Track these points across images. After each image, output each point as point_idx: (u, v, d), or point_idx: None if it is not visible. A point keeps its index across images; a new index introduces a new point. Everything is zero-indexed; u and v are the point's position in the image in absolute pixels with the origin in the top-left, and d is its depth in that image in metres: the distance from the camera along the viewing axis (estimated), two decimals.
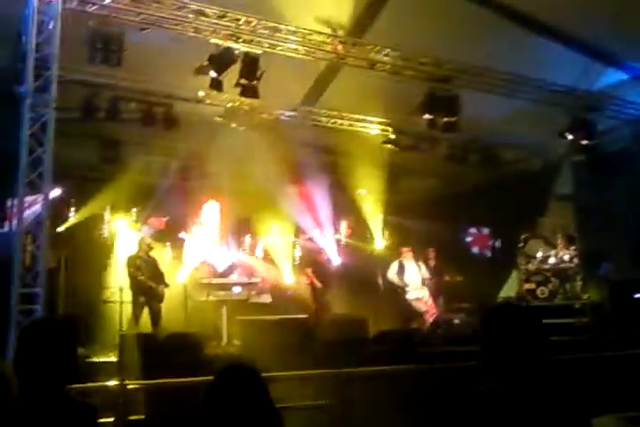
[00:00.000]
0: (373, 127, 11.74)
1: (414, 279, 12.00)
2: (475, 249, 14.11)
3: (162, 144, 11.64)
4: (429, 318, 11.49)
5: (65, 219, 10.97)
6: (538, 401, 2.27)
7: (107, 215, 11.59)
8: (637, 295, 10.65)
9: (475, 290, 11.83)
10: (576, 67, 10.17)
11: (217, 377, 2.77)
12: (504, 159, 12.79)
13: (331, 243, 13.30)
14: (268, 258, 13.25)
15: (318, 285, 11.65)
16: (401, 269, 12.07)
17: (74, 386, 5.68)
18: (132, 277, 10.34)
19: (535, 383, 2.30)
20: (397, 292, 11.98)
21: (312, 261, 12.12)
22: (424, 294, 11.91)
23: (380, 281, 12.09)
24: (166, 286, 10.57)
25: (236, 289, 11.82)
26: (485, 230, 13.92)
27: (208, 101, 10.05)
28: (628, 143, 11.61)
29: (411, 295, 11.84)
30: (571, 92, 10.59)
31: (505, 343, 2.30)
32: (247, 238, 13.13)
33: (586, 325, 10.74)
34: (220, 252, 12.45)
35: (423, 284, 12.10)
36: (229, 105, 10.31)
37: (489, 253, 14.01)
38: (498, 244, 13.30)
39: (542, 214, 13.15)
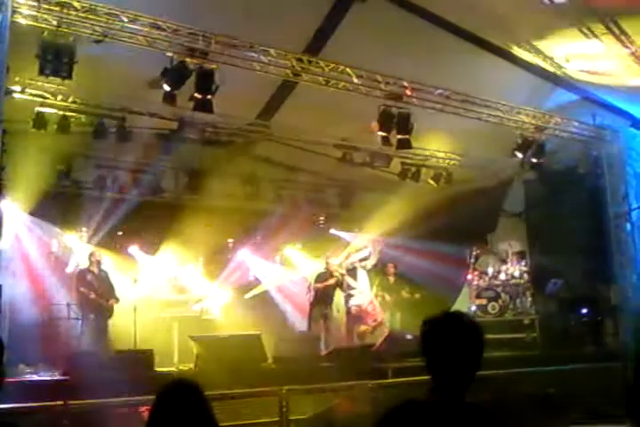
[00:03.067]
0: (328, 143, 11.77)
1: (363, 283, 12.11)
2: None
3: (115, 158, 11.49)
4: (372, 324, 11.65)
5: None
6: (483, 413, 2.29)
7: (57, 230, 11.33)
8: (584, 311, 10.89)
9: (431, 306, 11.91)
10: (526, 87, 10.42)
11: (159, 395, 2.75)
12: (456, 176, 12.98)
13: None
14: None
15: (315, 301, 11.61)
16: (352, 271, 12.16)
17: (16, 406, 5.57)
18: (83, 296, 10.13)
19: (480, 395, 2.32)
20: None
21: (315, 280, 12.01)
22: (364, 300, 12.01)
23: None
24: (117, 300, 10.40)
25: (189, 305, 11.72)
26: None
27: (162, 115, 9.95)
28: (577, 162, 11.90)
29: (354, 301, 11.95)
30: (521, 111, 10.83)
31: (444, 353, 2.30)
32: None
33: (535, 340, 10.92)
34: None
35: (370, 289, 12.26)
36: (184, 119, 10.22)
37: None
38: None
39: (493, 231, 13.37)
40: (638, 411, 2.00)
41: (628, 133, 11.54)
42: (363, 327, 11.76)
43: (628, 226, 11.52)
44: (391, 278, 12.81)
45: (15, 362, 8.28)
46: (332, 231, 13.89)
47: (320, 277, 11.90)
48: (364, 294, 12.09)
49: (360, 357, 9.12)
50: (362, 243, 13.33)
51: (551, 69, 9.84)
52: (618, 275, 11.35)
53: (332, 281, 11.77)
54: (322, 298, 11.64)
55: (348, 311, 12.03)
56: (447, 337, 2.31)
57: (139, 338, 10.67)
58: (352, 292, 12.00)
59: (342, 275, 11.91)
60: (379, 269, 12.88)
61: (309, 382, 7.47)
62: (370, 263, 12.55)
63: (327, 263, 12.06)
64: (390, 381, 7.94)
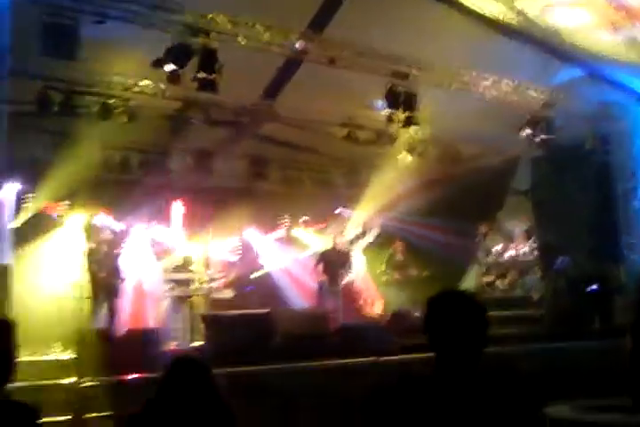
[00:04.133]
0: (334, 122, 11.70)
1: (357, 261, 12.19)
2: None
3: (120, 138, 11.47)
4: (366, 300, 11.73)
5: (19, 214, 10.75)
6: (486, 389, 2.30)
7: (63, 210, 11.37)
8: (592, 288, 10.87)
9: (439, 284, 11.94)
10: (534, 63, 10.32)
11: (166, 371, 2.79)
12: (464, 154, 12.92)
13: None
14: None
15: (324, 279, 11.64)
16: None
17: (29, 384, 5.66)
18: (93, 274, 10.20)
19: (485, 371, 2.34)
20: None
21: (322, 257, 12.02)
22: (357, 277, 12.13)
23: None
24: (124, 280, 10.47)
25: (198, 284, 11.79)
26: None
27: (167, 95, 9.92)
28: (584, 139, 11.81)
29: (348, 277, 12.05)
30: (528, 87, 10.74)
31: (446, 329, 2.33)
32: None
33: (543, 316, 10.94)
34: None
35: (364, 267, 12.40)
36: (189, 98, 10.17)
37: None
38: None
39: (501, 209, 13.34)
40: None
41: (636, 110, 11.43)
42: (357, 303, 11.92)
43: (636, 203, 11.46)
44: (399, 256, 12.85)
45: (26, 341, 8.36)
46: (340, 210, 13.90)
47: (325, 255, 11.95)
48: (357, 271, 12.21)
49: (368, 333, 9.17)
50: (358, 221, 13.39)
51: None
52: (626, 252, 11.32)
53: (341, 263, 11.85)
54: (330, 275, 11.70)
55: (343, 287, 12.14)
56: (447, 315, 2.35)
57: (149, 317, 10.79)
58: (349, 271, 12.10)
59: (348, 253, 11.97)
60: (386, 247, 12.93)
61: (318, 359, 7.54)
62: (365, 241, 12.62)
63: (334, 242, 12.11)
64: (399, 357, 8.00)
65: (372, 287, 12.32)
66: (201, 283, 11.81)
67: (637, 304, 2.13)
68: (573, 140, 11.99)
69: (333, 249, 12.00)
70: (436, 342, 2.36)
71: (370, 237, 12.71)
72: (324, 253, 12.10)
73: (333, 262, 11.79)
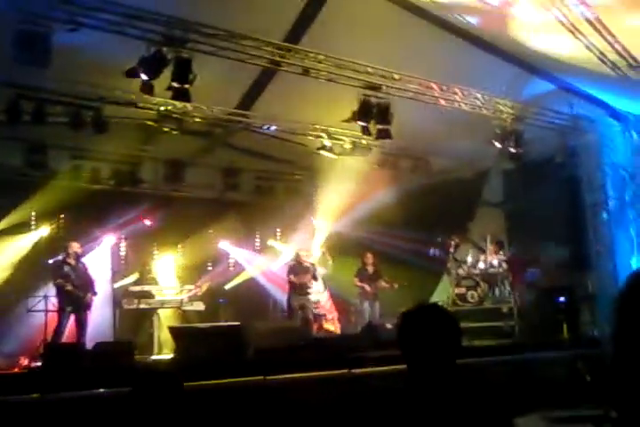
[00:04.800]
0: (308, 133, 11.72)
1: (317, 282, 12.12)
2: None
3: (92, 148, 11.37)
4: (329, 321, 11.99)
5: None
6: (457, 401, 2.31)
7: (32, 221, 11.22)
8: (561, 299, 11.00)
9: (411, 295, 11.97)
10: (504, 76, 10.45)
11: (135, 386, 2.74)
12: (435, 166, 13.01)
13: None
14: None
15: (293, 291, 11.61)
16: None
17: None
18: (59, 287, 10.04)
19: (455, 384, 2.35)
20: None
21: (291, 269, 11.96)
22: (319, 298, 12.16)
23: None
24: (94, 294, 10.30)
25: (169, 296, 11.68)
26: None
27: (140, 104, 9.84)
28: (554, 152, 11.98)
29: (312, 297, 12.00)
30: (499, 101, 10.86)
31: (420, 344, 2.34)
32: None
33: (513, 328, 11.03)
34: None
35: (325, 288, 12.36)
36: (162, 108, 10.11)
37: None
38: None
39: (472, 220, 13.44)
40: (616, 394, 2.04)
41: (604, 123, 11.61)
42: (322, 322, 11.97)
43: (605, 215, 11.62)
44: (370, 268, 12.84)
45: None
46: (313, 221, 13.91)
47: (293, 267, 11.90)
48: (320, 291, 12.25)
49: (339, 346, 9.14)
50: (326, 233, 13.46)
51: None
52: (594, 264, 11.47)
53: (307, 275, 11.81)
54: (299, 289, 11.66)
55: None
56: (420, 328, 2.38)
57: (118, 330, 10.64)
58: (310, 290, 12.03)
59: (313, 265, 11.91)
60: (357, 259, 12.95)
61: (290, 372, 7.49)
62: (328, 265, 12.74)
63: (297, 255, 12.03)
64: (370, 370, 7.97)
65: (339, 300, 12.34)
66: (172, 295, 11.72)
67: (618, 312, 2.15)
68: (543, 153, 12.15)
69: (298, 262, 11.92)
70: (409, 354, 2.37)
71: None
72: (292, 265, 12.04)
73: (300, 275, 11.74)
